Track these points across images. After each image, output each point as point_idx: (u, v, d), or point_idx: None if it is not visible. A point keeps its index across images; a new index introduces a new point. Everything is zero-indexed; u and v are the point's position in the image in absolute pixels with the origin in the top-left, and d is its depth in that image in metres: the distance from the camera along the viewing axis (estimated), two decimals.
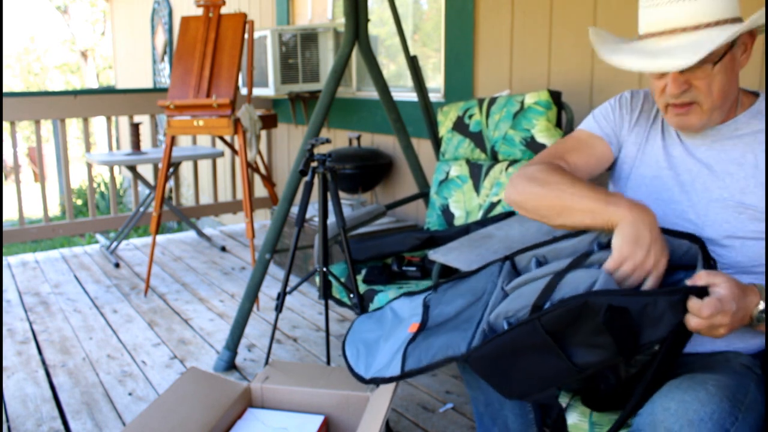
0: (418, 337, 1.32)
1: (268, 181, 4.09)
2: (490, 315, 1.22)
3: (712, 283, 1.01)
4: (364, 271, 2.11)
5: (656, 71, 1.15)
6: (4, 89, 16.40)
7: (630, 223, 1.09)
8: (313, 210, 3.49)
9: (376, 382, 1.33)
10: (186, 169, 5.63)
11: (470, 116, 2.36)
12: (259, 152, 3.54)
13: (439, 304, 1.39)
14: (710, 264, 1.13)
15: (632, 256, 1.08)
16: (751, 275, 1.20)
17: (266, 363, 1.89)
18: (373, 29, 3.73)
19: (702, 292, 1.00)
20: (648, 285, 1.08)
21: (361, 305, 1.94)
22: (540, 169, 1.27)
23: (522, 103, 2.20)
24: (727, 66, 1.16)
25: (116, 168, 5.13)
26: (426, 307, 1.40)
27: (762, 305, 1.04)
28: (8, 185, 12.56)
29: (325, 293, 1.99)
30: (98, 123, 11.41)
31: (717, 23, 1.13)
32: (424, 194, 2.68)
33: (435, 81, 3.28)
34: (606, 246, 1.17)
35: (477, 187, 2.31)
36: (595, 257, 1.17)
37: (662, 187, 1.29)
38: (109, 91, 4.81)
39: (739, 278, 1.18)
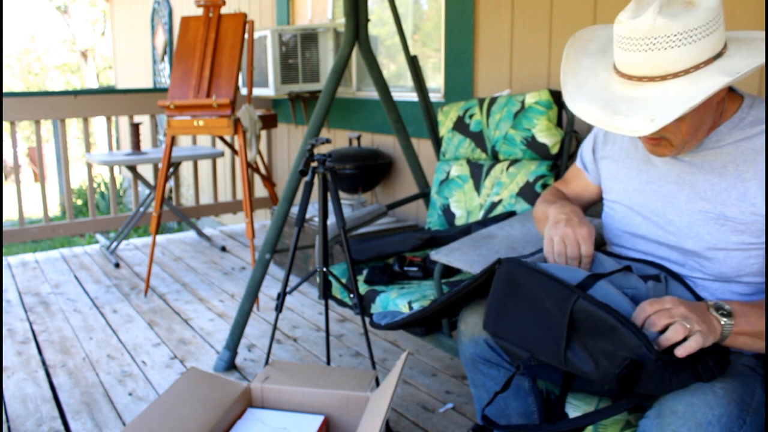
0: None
1: (268, 181, 4.09)
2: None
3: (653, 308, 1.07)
4: (365, 272, 2.11)
5: (611, 131, 1.11)
6: (4, 89, 16.40)
7: (551, 216, 1.35)
8: (313, 210, 3.48)
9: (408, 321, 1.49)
10: (186, 169, 5.63)
11: (471, 116, 2.36)
12: (259, 152, 3.54)
13: None
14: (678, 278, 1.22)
15: (557, 228, 1.28)
16: (738, 284, 1.20)
17: (266, 363, 1.88)
18: (373, 29, 3.73)
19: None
20: (584, 251, 1.25)
21: (362, 305, 1.94)
22: (545, 194, 1.55)
23: (523, 102, 2.20)
24: (698, 108, 1.11)
25: (116, 168, 5.13)
26: None
27: (711, 303, 1.07)
28: (8, 185, 12.56)
29: (325, 293, 1.99)
30: (98, 123, 11.41)
31: (687, 71, 1.07)
32: (424, 194, 2.68)
33: (435, 81, 3.28)
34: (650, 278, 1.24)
35: (478, 187, 2.31)
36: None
37: (645, 201, 1.30)
38: (109, 91, 4.81)
39: (724, 287, 1.21)
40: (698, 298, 1.21)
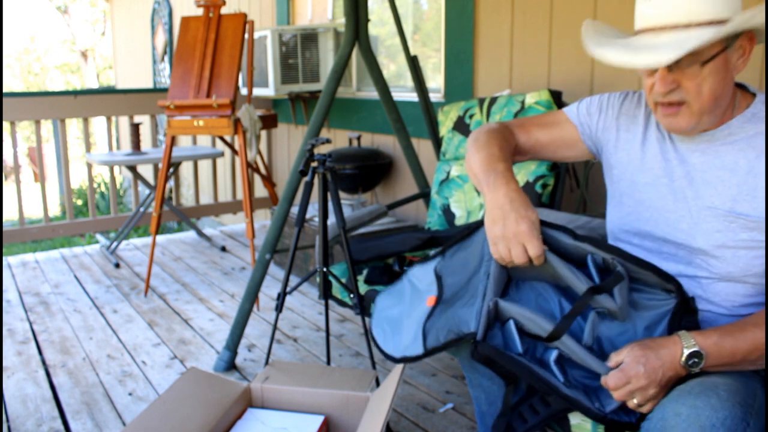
0: (435, 311, 1.33)
1: (268, 181, 4.09)
2: (493, 292, 1.23)
3: (618, 360, 1.11)
4: (365, 272, 2.11)
5: (635, 67, 1.11)
6: (4, 89, 16.40)
7: (488, 204, 1.22)
8: (313, 210, 3.49)
9: (406, 361, 1.35)
10: (186, 169, 5.63)
11: (471, 116, 2.36)
12: (259, 152, 3.54)
13: (449, 273, 1.38)
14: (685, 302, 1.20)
15: (495, 229, 1.19)
16: (744, 284, 1.18)
17: (266, 363, 1.89)
18: (373, 29, 3.73)
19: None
20: (531, 252, 1.17)
21: (362, 305, 1.94)
22: (488, 129, 1.39)
23: (523, 102, 2.20)
24: (719, 68, 1.11)
25: (116, 168, 5.13)
26: (438, 278, 1.39)
27: (687, 351, 1.07)
28: (8, 185, 12.56)
29: (325, 293, 1.99)
30: (98, 123, 11.41)
31: (711, 23, 1.07)
32: (424, 194, 2.68)
33: (435, 81, 3.28)
34: (603, 270, 1.23)
35: None
36: (597, 301, 1.20)
37: (656, 195, 1.27)
38: (109, 91, 4.81)
39: (729, 288, 1.19)
40: (665, 273, 1.18)
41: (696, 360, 1.07)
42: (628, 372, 1.07)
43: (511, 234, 1.16)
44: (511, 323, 1.21)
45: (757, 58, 1.92)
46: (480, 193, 1.38)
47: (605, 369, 1.12)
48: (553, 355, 1.19)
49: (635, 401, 1.08)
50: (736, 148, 1.17)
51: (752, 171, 1.15)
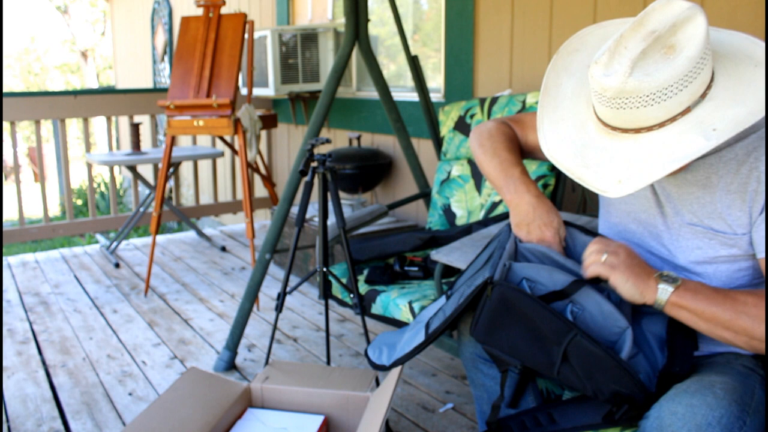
0: (441, 308, 1.34)
1: (268, 181, 4.09)
2: (505, 258, 1.24)
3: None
4: (366, 271, 2.11)
5: (580, 183, 1.09)
6: (4, 89, 16.40)
7: (512, 208, 1.30)
8: (313, 210, 3.49)
9: (398, 363, 1.36)
10: (186, 169, 5.63)
11: (472, 116, 2.36)
12: (259, 152, 3.54)
13: (459, 282, 1.40)
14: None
15: (520, 233, 1.29)
16: None
17: (266, 363, 1.89)
18: (373, 29, 3.73)
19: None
20: (554, 248, 1.26)
21: (362, 305, 1.94)
22: (490, 131, 1.42)
23: (524, 102, 2.20)
24: None
25: (116, 168, 5.13)
26: (448, 297, 1.40)
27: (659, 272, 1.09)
28: (8, 185, 12.56)
29: (325, 293, 1.99)
30: (98, 123, 11.41)
31: (661, 125, 1.01)
32: (424, 194, 2.68)
33: (435, 81, 3.28)
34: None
35: (479, 187, 2.31)
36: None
37: (640, 208, 1.26)
38: (109, 91, 4.81)
39: None
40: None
41: (668, 278, 1.08)
42: (609, 242, 1.14)
43: (535, 239, 1.27)
44: (524, 283, 1.21)
45: None
46: (497, 193, 1.41)
47: (624, 323, 1.13)
48: (567, 312, 1.18)
49: (603, 259, 1.11)
50: (707, 164, 1.14)
51: (725, 188, 1.11)
